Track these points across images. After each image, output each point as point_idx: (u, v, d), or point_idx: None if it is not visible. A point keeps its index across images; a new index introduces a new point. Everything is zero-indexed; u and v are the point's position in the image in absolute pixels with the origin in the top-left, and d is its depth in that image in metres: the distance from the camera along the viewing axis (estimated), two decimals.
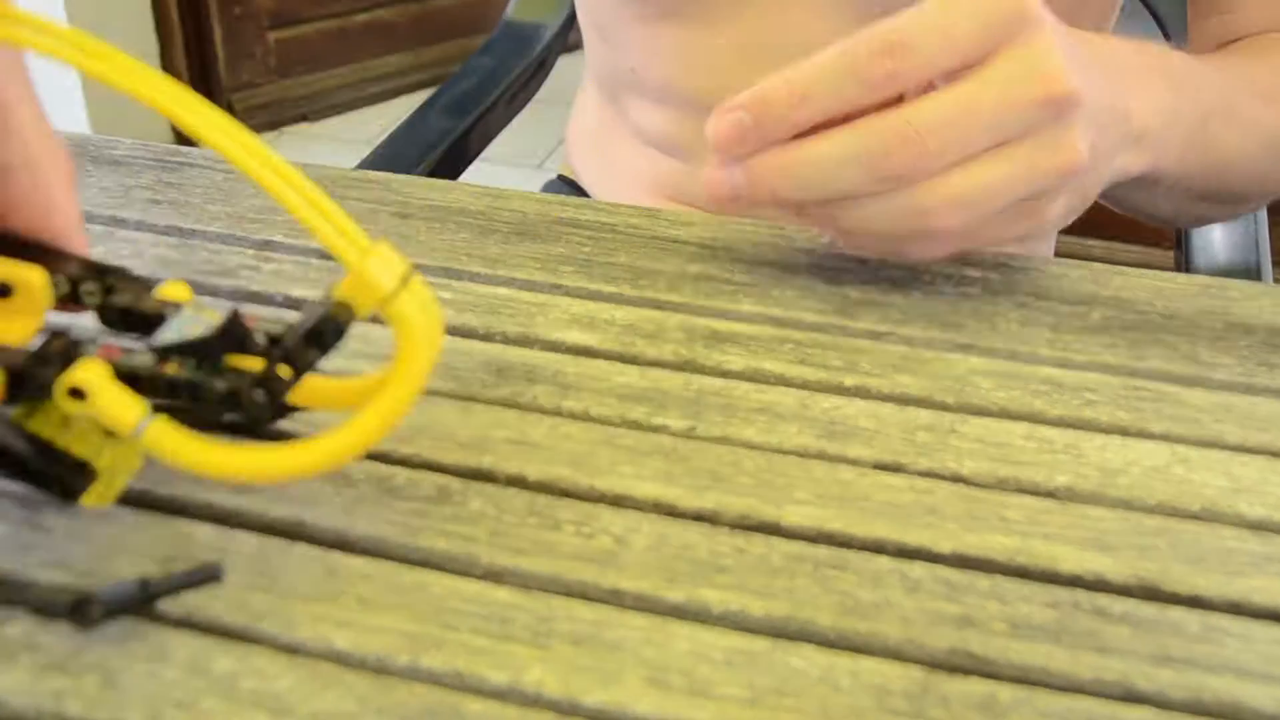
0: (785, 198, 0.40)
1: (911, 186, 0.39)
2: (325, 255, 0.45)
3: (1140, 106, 0.45)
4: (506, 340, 0.41)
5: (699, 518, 0.33)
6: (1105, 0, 0.63)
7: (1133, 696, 0.29)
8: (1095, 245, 1.62)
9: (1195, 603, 0.31)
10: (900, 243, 0.42)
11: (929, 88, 0.40)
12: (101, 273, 0.33)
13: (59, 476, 0.32)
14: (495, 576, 0.31)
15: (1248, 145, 0.53)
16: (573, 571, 0.31)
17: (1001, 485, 0.35)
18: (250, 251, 0.45)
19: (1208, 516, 0.34)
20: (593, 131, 0.75)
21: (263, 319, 0.32)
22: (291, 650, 0.29)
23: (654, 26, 0.64)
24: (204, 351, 0.31)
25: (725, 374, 0.39)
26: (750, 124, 0.39)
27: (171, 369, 0.31)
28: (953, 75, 0.39)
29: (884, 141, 0.38)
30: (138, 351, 0.31)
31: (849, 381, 0.39)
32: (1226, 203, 0.57)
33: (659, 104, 0.67)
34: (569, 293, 0.43)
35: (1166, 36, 0.79)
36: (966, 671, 0.29)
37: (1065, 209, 0.42)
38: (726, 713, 0.28)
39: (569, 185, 0.78)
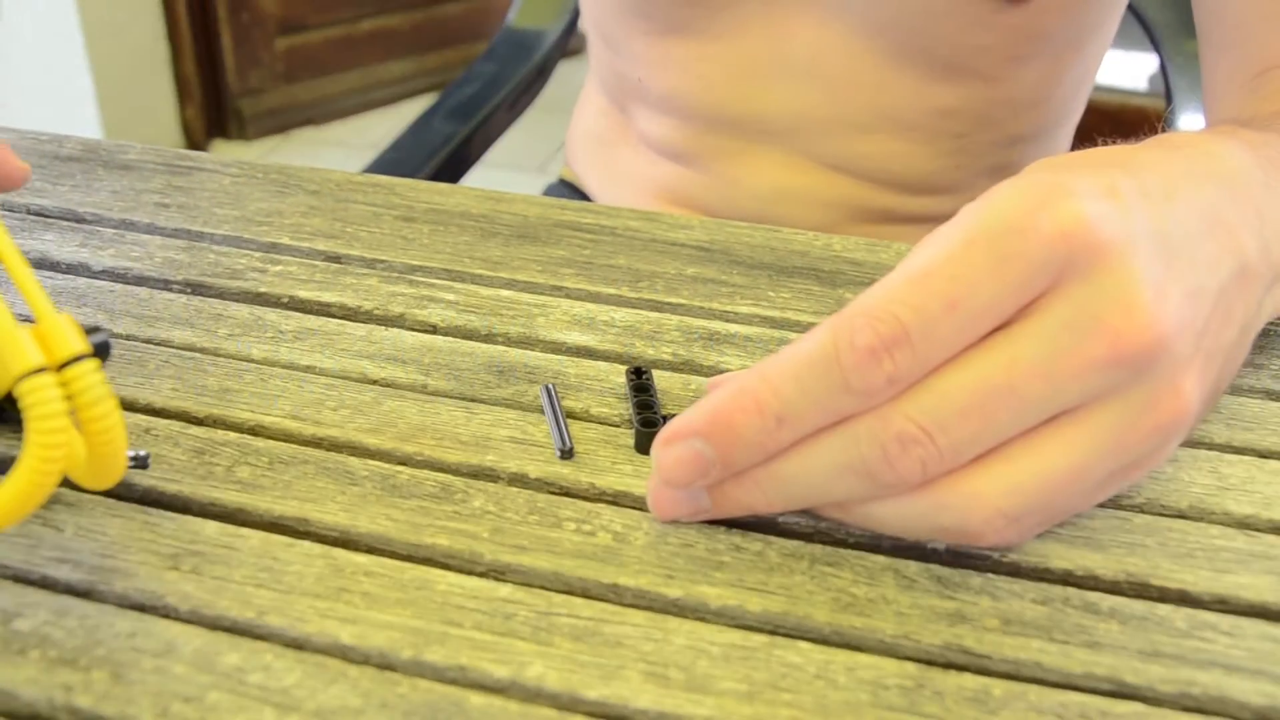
0: (768, 512, 0.33)
1: (930, 488, 0.30)
2: (332, 258, 0.46)
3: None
4: (508, 341, 0.41)
5: None
6: (1106, 11, 0.64)
7: (1122, 691, 0.29)
8: None
9: (1183, 599, 0.31)
10: (951, 536, 0.31)
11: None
12: None
13: None
14: (497, 573, 0.32)
15: None
16: (573, 568, 0.32)
17: None
18: (257, 254, 0.46)
19: (1195, 514, 0.34)
20: (596, 136, 0.75)
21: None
22: (297, 645, 0.30)
23: (661, 40, 0.65)
24: None
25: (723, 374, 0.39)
26: (712, 458, 0.31)
27: None
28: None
29: (882, 447, 0.30)
30: None
31: None
32: None
33: (666, 113, 0.68)
34: (569, 294, 0.44)
35: (1157, 48, 0.79)
36: (960, 667, 0.29)
37: (1172, 450, 0.32)
38: (724, 707, 0.28)
39: (570, 189, 0.79)
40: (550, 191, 0.80)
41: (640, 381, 0.38)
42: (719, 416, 0.31)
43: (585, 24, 0.72)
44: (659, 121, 0.68)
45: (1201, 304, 0.31)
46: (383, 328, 0.42)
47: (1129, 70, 2.05)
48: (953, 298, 0.29)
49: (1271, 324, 0.42)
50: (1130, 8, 0.79)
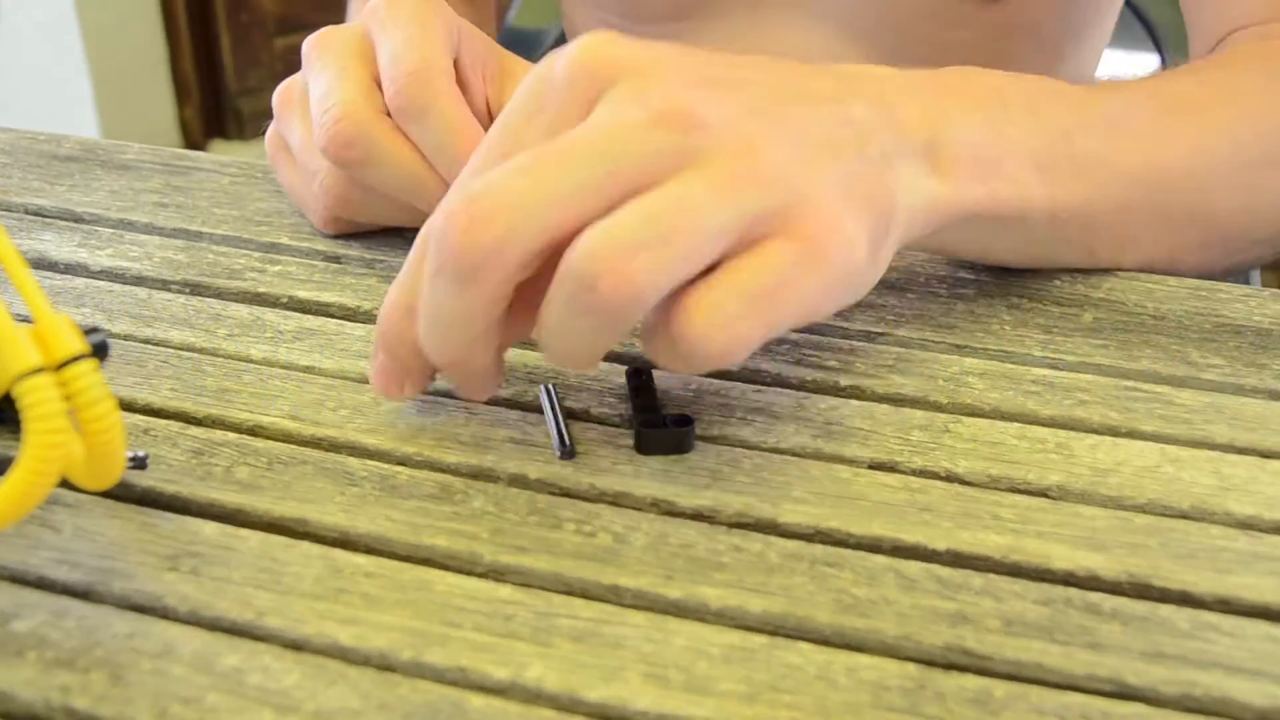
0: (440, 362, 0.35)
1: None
2: (331, 258, 0.46)
3: (919, 117, 0.37)
4: None
5: (697, 516, 0.34)
6: (1096, 7, 0.64)
7: (1125, 692, 0.29)
8: None
9: (1185, 600, 0.31)
10: (597, 341, 0.33)
11: None
12: None
13: None
14: (497, 574, 0.32)
15: (1167, 159, 0.43)
16: (573, 569, 0.32)
17: (995, 484, 0.35)
18: (256, 254, 0.46)
19: (1197, 515, 0.34)
20: None
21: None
22: (296, 647, 0.29)
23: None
24: None
25: (723, 375, 0.39)
26: (393, 367, 0.36)
27: None
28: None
29: (441, 237, 0.32)
30: None
31: (844, 382, 0.39)
32: (1208, 230, 0.45)
33: None
34: None
35: (1158, 48, 0.79)
36: (961, 668, 0.29)
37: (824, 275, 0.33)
38: (725, 708, 0.28)
39: None
40: None
41: (640, 382, 0.38)
42: (384, 335, 0.35)
43: (567, 31, 0.72)
44: None
45: (806, 116, 0.34)
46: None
47: (1130, 70, 2.05)
48: (504, 149, 0.34)
49: (1273, 324, 0.42)
50: (1132, 7, 0.79)
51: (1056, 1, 0.60)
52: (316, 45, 0.46)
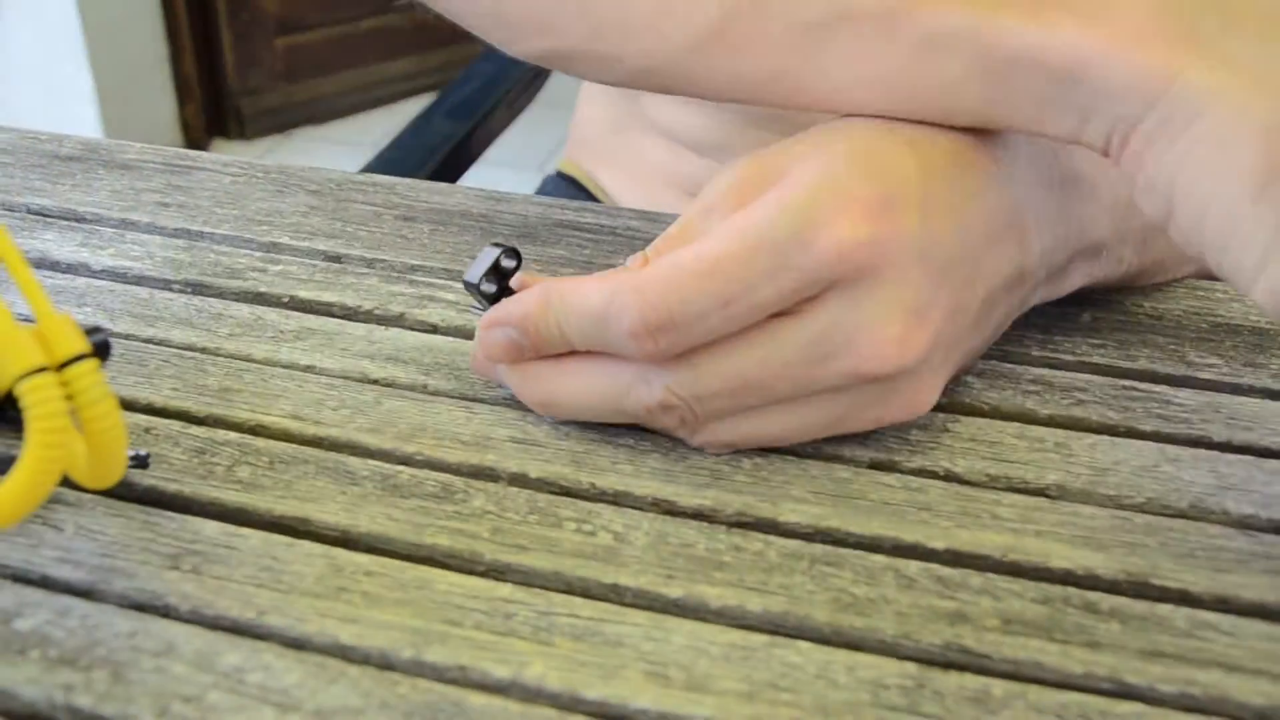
0: (542, 410, 0.37)
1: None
2: (332, 258, 0.46)
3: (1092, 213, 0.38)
4: None
5: (698, 515, 0.34)
6: None
7: (1123, 691, 0.29)
8: None
9: (1183, 599, 0.32)
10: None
11: None
12: None
13: None
14: (497, 573, 0.32)
15: None
16: (574, 568, 0.32)
17: (993, 483, 0.35)
18: (257, 254, 0.46)
19: (1195, 514, 0.34)
20: (606, 128, 0.73)
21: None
22: (297, 645, 0.30)
23: None
24: None
25: None
26: (525, 345, 0.35)
27: None
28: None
29: (645, 408, 0.34)
30: None
31: None
32: None
33: (683, 103, 0.65)
34: None
35: None
36: (960, 667, 0.29)
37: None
38: (725, 707, 0.28)
39: (568, 182, 0.78)
40: (547, 184, 0.79)
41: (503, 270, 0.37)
42: (528, 319, 0.35)
43: None
44: (682, 110, 0.66)
45: (962, 320, 0.34)
46: (383, 327, 0.42)
47: None
48: (728, 297, 0.32)
49: (1271, 324, 0.42)
50: None
51: None
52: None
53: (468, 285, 0.37)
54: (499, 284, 0.37)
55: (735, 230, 0.32)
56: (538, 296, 0.35)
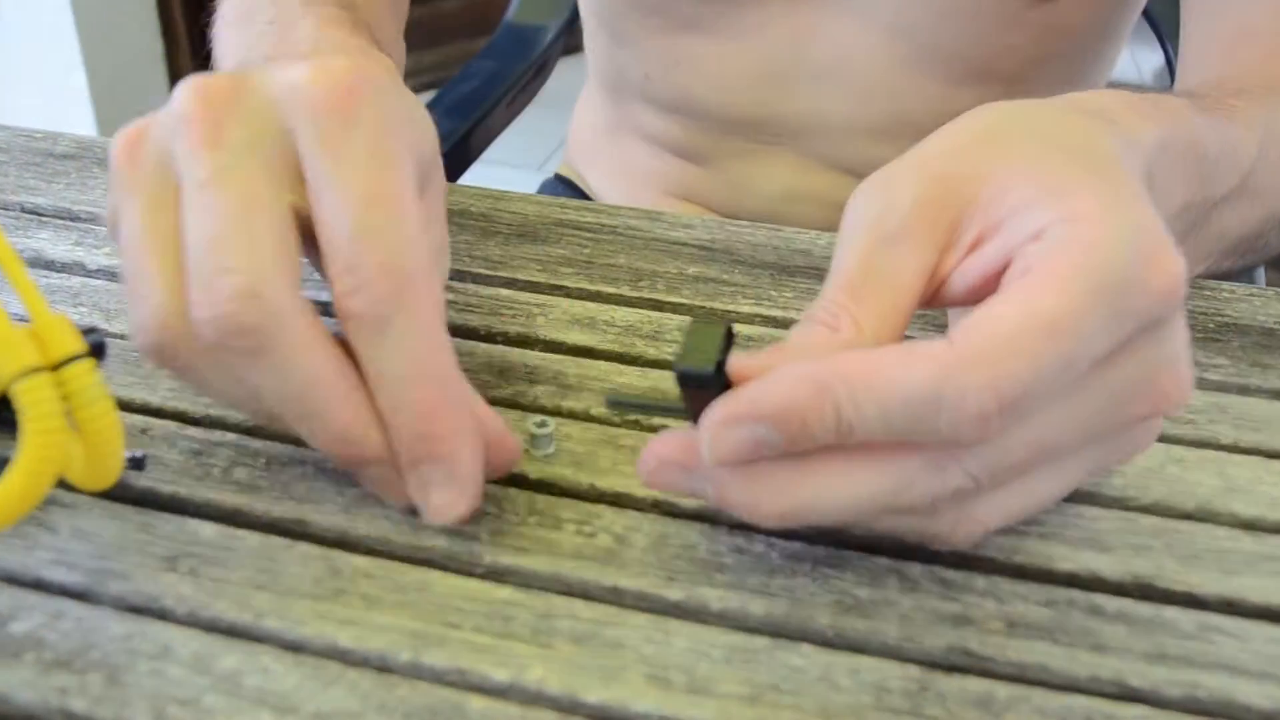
0: (761, 522, 0.29)
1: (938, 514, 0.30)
2: None
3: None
4: (508, 341, 0.41)
5: (699, 517, 0.34)
6: (1129, 7, 0.63)
7: (1128, 694, 0.29)
8: None
9: (1190, 601, 0.31)
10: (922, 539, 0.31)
11: None
12: None
13: None
14: (497, 575, 0.32)
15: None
16: (574, 570, 0.32)
17: None
18: None
19: (1202, 516, 0.34)
20: (598, 132, 0.74)
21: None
22: (295, 648, 0.29)
23: (673, 37, 0.64)
24: None
25: None
26: (776, 444, 0.28)
27: None
28: None
29: (933, 498, 0.29)
30: None
31: None
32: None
33: (673, 111, 0.67)
34: (569, 294, 0.43)
35: (1162, 43, 0.79)
36: (964, 670, 0.29)
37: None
38: (726, 710, 0.28)
39: (565, 185, 0.78)
40: (546, 187, 0.79)
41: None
42: (793, 411, 0.27)
43: (584, 12, 0.71)
44: (665, 119, 0.67)
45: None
46: None
47: (1134, 66, 2.05)
48: (1072, 356, 0.27)
49: (1277, 324, 0.42)
50: None
51: (1100, 2, 0.60)
52: (206, 123, 0.31)
53: (687, 376, 0.29)
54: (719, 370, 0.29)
55: (1056, 280, 0.28)
56: (807, 384, 0.27)
